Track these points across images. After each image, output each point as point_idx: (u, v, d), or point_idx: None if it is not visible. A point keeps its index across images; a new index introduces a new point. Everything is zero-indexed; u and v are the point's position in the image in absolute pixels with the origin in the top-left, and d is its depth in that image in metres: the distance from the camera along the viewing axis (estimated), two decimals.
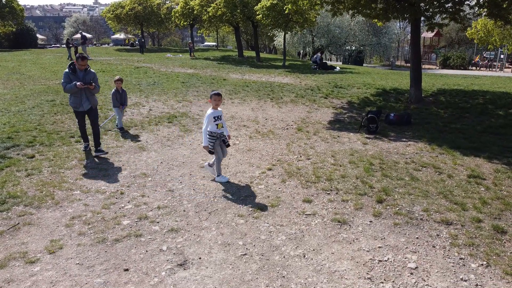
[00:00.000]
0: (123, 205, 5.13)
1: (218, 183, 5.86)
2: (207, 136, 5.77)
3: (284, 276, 3.67)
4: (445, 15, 10.91)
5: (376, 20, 15.39)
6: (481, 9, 10.56)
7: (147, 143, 7.93)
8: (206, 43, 67.47)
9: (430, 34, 41.54)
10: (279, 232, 4.44)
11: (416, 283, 3.54)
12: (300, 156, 7.08)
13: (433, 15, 10.75)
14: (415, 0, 10.73)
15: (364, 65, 36.55)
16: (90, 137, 7.46)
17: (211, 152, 5.90)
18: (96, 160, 6.89)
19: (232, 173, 6.28)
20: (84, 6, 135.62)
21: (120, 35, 57.26)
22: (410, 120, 9.90)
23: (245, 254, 4.03)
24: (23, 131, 8.44)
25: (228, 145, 6.08)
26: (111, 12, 39.89)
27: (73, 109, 7.01)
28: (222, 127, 5.89)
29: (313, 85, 15.62)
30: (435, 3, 10.51)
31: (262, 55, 33.81)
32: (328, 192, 5.46)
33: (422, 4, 11.04)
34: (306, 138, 8.43)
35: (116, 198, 5.34)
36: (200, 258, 3.96)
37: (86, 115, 7.10)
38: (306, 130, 9.13)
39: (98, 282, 3.60)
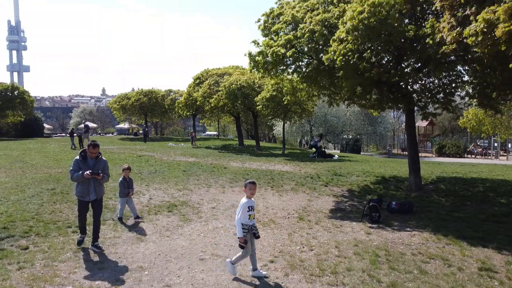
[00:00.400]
0: None
1: (217, 277, 5.58)
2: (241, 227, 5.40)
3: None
4: (437, 105, 11.42)
5: (371, 110, 16.09)
6: (472, 99, 11.08)
7: (145, 233, 7.74)
8: (207, 133, 69.67)
9: (424, 123, 43.08)
10: None
11: None
12: (303, 247, 6.86)
13: (426, 105, 11.26)
14: (407, 92, 11.32)
15: (361, 153, 37.30)
16: (89, 229, 7.14)
17: (242, 246, 5.45)
18: (92, 252, 6.65)
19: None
20: (92, 97, 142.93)
21: (125, 125, 59.33)
22: (412, 209, 9.79)
23: None
24: (20, 221, 8.28)
25: (258, 237, 5.67)
26: (117, 103, 41.81)
27: (78, 198, 6.70)
28: (254, 218, 5.57)
29: (313, 173, 15.74)
30: (427, 93, 11.07)
31: (262, 144, 34.68)
32: (333, 285, 5.18)
33: (414, 95, 11.61)
34: (308, 227, 8.25)
35: None
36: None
37: (90, 206, 6.79)
38: (307, 219, 8.98)
39: None
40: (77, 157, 6.56)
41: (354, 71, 10.07)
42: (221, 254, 6.56)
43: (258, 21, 14.04)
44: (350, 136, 38.36)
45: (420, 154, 13.12)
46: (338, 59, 9.85)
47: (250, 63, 12.74)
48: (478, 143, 41.07)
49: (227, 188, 12.73)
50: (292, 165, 18.67)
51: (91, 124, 51.34)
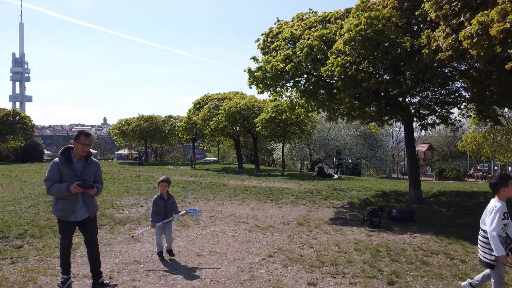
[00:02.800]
0: None
1: (215, 269, 5.45)
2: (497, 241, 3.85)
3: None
4: (435, 117, 11.49)
5: (371, 126, 16.16)
6: (470, 104, 11.10)
7: (142, 235, 7.61)
8: (207, 158, 69.64)
9: (423, 148, 43.16)
10: None
11: None
12: (303, 246, 6.73)
13: (424, 117, 11.32)
14: (405, 104, 11.42)
15: (361, 176, 37.08)
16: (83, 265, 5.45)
17: (490, 266, 4.02)
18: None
19: (230, 260, 5.89)
20: (92, 126, 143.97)
21: (124, 151, 59.35)
22: (413, 217, 9.66)
23: None
24: (15, 226, 8.17)
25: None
26: (118, 129, 42.00)
27: (59, 218, 4.62)
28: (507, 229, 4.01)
29: (313, 189, 15.63)
30: (425, 105, 11.16)
31: (261, 167, 34.61)
32: (334, 276, 5.05)
33: (412, 109, 11.71)
34: (308, 231, 8.13)
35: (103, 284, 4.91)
36: None
37: (78, 228, 4.76)
38: (307, 224, 8.85)
39: None
40: (56, 159, 4.55)
41: (352, 82, 10.21)
42: (219, 251, 6.43)
43: (257, 40, 14.35)
44: (350, 160, 38.27)
45: (420, 178, 13.06)
46: (336, 70, 10.01)
47: (250, 79, 12.91)
48: (478, 167, 41.00)
49: (225, 202, 12.61)
50: (292, 183, 18.57)
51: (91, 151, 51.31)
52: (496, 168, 36.45)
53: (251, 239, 7.37)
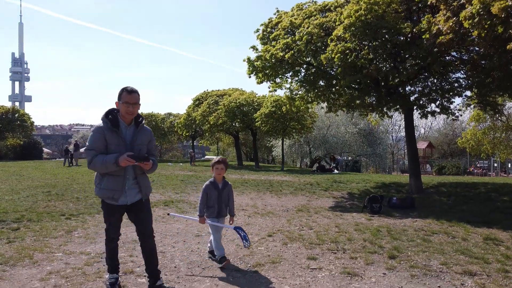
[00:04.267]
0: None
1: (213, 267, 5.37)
2: None
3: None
4: (436, 106, 11.44)
5: (371, 118, 16.09)
6: (471, 92, 11.03)
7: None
8: (206, 157, 69.56)
9: (423, 146, 43.09)
10: (281, 283, 3.92)
11: None
12: (302, 227, 6.66)
13: (424, 105, 11.26)
14: (405, 93, 11.36)
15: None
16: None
17: None
18: (85, 230, 6.45)
19: (229, 240, 5.82)
20: (92, 126, 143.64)
21: None
22: (413, 204, 9.59)
23: None
24: (12, 212, 8.10)
25: None
26: None
27: (105, 201, 3.68)
28: None
29: (312, 181, 15.56)
30: (425, 92, 11.10)
31: (261, 164, 34.55)
32: (334, 252, 4.99)
33: (412, 97, 11.65)
34: (308, 216, 8.06)
35: (101, 258, 4.85)
36: None
37: (127, 215, 3.84)
38: (307, 211, 8.78)
39: None
40: (100, 123, 3.57)
41: (352, 69, 10.15)
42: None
43: (257, 31, 14.29)
44: (350, 158, 38.21)
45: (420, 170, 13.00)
46: (336, 56, 9.95)
47: (249, 68, 12.85)
48: (478, 165, 40.95)
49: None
50: (291, 177, 18.50)
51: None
52: (496, 165, 36.41)
53: (250, 222, 7.30)
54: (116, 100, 3.58)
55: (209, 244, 4.90)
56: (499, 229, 6.46)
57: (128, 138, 3.58)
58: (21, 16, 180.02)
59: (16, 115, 40.81)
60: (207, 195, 4.64)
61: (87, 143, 3.52)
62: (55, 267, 4.46)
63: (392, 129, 49.31)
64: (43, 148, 54.68)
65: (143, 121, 3.71)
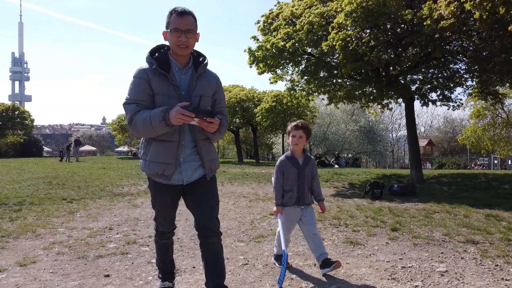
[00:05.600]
0: (110, 235, 4.63)
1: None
2: None
3: (292, 279, 3.12)
4: (437, 96, 11.45)
5: (371, 110, 16.09)
6: (472, 80, 11.04)
7: (142, 203, 7.55)
8: None
9: (423, 143, 43.10)
10: None
11: (449, 282, 2.99)
12: None
13: (425, 94, 11.27)
14: (406, 82, 11.37)
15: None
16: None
17: None
18: (87, 211, 6.46)
19: (232, 218, 5.83)
20: (92, 125, 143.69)
21: (124, 148, 59.17)
22: (414, 192, 9.59)
23: (247, 264, 3.50)
24: (14, 197, 8.11)
25: None
26: (117, 124, 41.87)
27: (152, 179, 2.60)
28: None
29: None
30: (426, 80, 11.10)
31: (261, 161, 34.58)
32: (336, 226, 4.99)
33: (413, 87, 11.66)
34: None
35: (104, 232, 4.86)
36: (194, 267, 3.42)
37: (184, 200, 2.69)
38: None
39: (72, 284, 3.03)
40: (142, 66, 2.48)
41: (353, 56, 10.15)
42: (220, 212, 6.37)
43: (258, 22, 14.29)
44: (350, 155, 38.23)
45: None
46: (337, 44, 9.95)
47: (250, 58, 12.85)
48: (478, 162, 40.96)
49: (225, 183, 12.54)
50: None
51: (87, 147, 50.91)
52: (496, 162, 36.41)
53: (251, 206, 7.31)
54: (164, 29, 2.44)
55: (274, 249, 3.55)
56: (501, 210, 6.46)
57: (183, 85, 2.43)
58: (21, 15, 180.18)
59: (16, 112, 40.81)
60: (283, 175, 3.36)
61: (126, 95, 2.43)
62: (58, 239, 4.47)
63: (392, 128, 49.39)
64: (43, 147, 54.72)
65: (206, 62, 2.54)
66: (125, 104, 2.43)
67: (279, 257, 3.40)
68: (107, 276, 3.21)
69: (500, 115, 31.93)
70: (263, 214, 6.02)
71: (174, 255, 3.02)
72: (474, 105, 31.43)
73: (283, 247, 3.05)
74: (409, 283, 2.97)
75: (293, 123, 3.38)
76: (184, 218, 5.84)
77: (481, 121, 32.10)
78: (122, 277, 3.19)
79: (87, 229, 5.01)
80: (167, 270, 2.89)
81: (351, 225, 5.03)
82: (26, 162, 25.92)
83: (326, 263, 3.13)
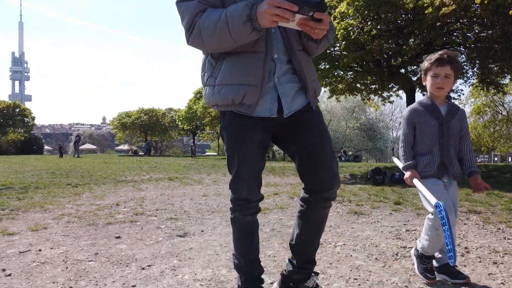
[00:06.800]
0: (118, 209, 4.71)
1: (219, 201, 5.47)
2: None
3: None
4: None
5: (372, 103, 16.17)
6: (471, 65, 11.11)
7: (146, 188, 7.62)
8: (207, 154, 69.71)
9: None
10: (290, 219, 4.00)
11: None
12: None
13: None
14: (407, 73, 11.45)
15: None
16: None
17: None
18: (92, 193, 6.53)
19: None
20: (92, 125, 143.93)
21: (124, 146, 59.28)
22: None
23: None
24: (19, 183, 8.20)
25: None
26: (118, 121, 42.01)
27: (225, 111, 1.72)
28: None
29: None
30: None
31: None
32: (340, 202, 5.07)
33: (414, 78, 11.74)
34: None
35: (111, 207, 4.93)
36: (202, 231, 3.49)
37: (275, 143, 1.89)
38: None
39: (85, 243, 3.11)
40: None
41: (355, 45, 10.24)
42: (224, 193, 6.45)
43: None
44: (350, 153, 38.38)
45: None
46: (339, 33, 10.05)
47: None
48: (478, 160, 41.05)
49: (228, 175, 12.59)
50: (294, 164, 18.61)
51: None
52: (496, 159, 36.52)
53: None
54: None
55: (418, 243, 2.36)
56: (502, 191, 6.54)
57: None
58: (21, 15, 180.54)
59: (17, 110, 40.91)
60: (414, 129, 2.30)
61: None
62: (67, 212, 4.54)
63: (392, 126, 49.43)
64: (44, 145, 54.80)
65: None
66: (179, 2, 1.62)
67: (422, 258, 2.26)
68: (118, 237, 3.28)
69: (500, 112, 32.02)
70: (267, 194, 6.10)
71: (181, 222, 3.05)
72: (474, 101, 31.49)
73: (433, 202, 1.95)
74: (413, 241, 3.04)
75: (435, 55, 2.20)
76: (189, 198, 5.92)
77: (481, 118, 32.20)
78: (133, 238, 3.26)
79: (94, 205, 5.08)
80: (254, 274, 1.83)
81: (354, 200, 5.11)
82: (27, 158, 26.00)
83: (453, 274, 2.18)
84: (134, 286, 2.17)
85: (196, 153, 39.12)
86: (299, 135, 1.74)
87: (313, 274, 1.93)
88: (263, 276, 1.86)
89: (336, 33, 10.09)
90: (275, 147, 42.69)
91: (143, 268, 2.47)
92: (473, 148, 31.79)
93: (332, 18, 10.54)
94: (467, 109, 35.31)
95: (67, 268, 2.48)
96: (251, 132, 1.68)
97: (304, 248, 1.89)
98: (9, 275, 2.35)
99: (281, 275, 1.98)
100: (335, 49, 11.47)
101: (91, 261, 2.63)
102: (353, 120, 37.06)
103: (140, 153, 38.93)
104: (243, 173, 1.77)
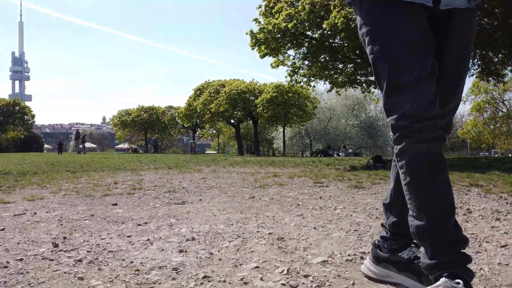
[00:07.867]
0: (116, 186, 4.67)
1: (218, 181, 5.43)
2: None
3: (299, 204, 3.15)
4: None
5: (372, 96, 16.12)
6: (472, 55, 11.05)
7: (145, 174, 7.58)
8: (207, 152, 69.75)
9: None
10: (289, 193, 3.96)
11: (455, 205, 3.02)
12: (307, 173, 6.71)
13: None
14: None
15: None
16: None
17: None
18: (91, 178, 6.49)
19: (235, 180, 5.86)
20: (92, 125, 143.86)
21: (124, 145, 59.23)
22: None
23: (253, 197, 3.53)
24: (17, 171, 8.17)
25: None
26: (118, 119, 41.95)
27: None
28: None
29: (315, 160, 15.64)
30: None
31: (262, 155, 34.67)
32: (340, 180, 5.03)
33: None
34: (312, 173, 8.10)
35: (109, 185, 4.89)
36: (200, 200, 3.45)
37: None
38: (311, 172, 8.83)
39: (81, 209, 3.07)
40: None
41: (355, 33, 10.18)
42: (223, 182, 6.41)
43: (259, 7, 14.33)
44: (350, 150, 38.31)
45: None
46: (339, 21, 10.00)
47: (252, 40, 12.88)
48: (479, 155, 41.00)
49: (227, 167, 12.56)
50: (293, 158, 18.58)
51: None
52: (496, 156, 36.45)
53: (254, 172, 7.35)
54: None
55: None
56: (500, 177, 6.51)
57: None
58: (21, 15, 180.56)
59: (17, 108, 40.88)
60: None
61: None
62: (65, 187, 4.50)
63: None
64: (44, 144, 54.75)
65: None
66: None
67: None
68: (115, 204, 3.24)
69: (500, 109, 31.98)
70: (267, 175, 6.06)
71: (179, 194, 3.04)
72: (474, 99, 31.45)
73: None
74: None
75: None
76: (188, 180, 5.88)
77: (482, 115, 32.14)
78: (130, 205, 3.22)
79: (92, 184, 5.04)
80: (452, 238, 1.25)
81: (354, 179, 5.07)
82: (27, 155, 25.98)
83: None
84: (130, 236, 2.13)
85: (196, 152, 39.09)
86: (452, 38, 1.33)
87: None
88: None
89: (336, 22, 10.05)
90: (275, 145, 42.63)
91: (139, 225, 2.43)
92: (474, 145, 31.59)
93: (331, 7, 10.51)
94: (468, 106, 35.21)
95: (61, 225, 2.44)
96: (407, 15, 1.24)
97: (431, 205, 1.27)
98: (3, 229, 2.31)
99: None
100: (336, 40, 11.42)
101: (86, 220, 2.59)
102: (353, 118, 37.01)
103: (140, 152, 38.83)
104: (406, 60, 1.23)
